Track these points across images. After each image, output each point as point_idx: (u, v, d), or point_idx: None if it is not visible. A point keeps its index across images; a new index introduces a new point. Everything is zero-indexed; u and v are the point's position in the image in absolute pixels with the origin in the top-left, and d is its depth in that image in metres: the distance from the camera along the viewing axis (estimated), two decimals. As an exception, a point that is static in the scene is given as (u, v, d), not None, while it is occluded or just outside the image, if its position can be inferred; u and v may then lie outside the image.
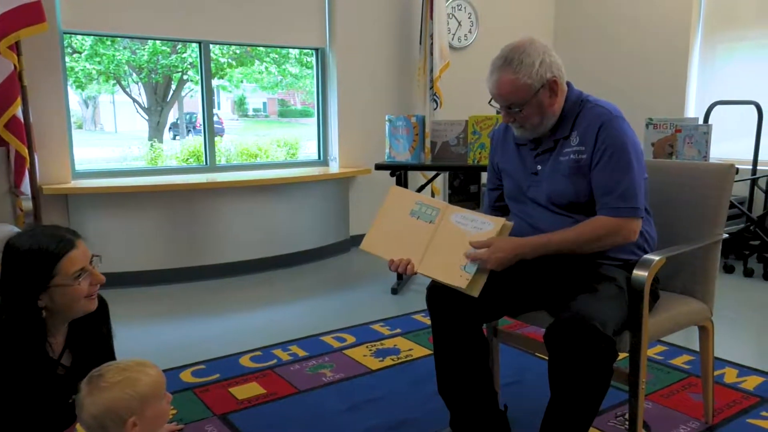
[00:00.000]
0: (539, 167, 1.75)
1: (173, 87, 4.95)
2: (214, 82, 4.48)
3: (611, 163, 1.62)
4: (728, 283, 3.72)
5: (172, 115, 5.37)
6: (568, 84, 1.74)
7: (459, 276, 1.61)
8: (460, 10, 5.11)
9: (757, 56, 4.49)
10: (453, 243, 1.65)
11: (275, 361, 2.58)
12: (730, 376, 2.37)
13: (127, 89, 4.86)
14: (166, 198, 3.78)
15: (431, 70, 4.55)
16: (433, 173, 4.14)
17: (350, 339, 2.83)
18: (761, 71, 4.44)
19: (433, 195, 4.76)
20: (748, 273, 3.87)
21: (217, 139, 4.34)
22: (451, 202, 5.29)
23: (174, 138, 5.53)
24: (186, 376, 2.42)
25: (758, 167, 4.12)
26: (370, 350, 2.69)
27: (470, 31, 5.19)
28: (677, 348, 2.65)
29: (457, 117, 3.81)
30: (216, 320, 3.14)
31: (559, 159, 1.70)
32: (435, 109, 4.58)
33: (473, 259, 1.59)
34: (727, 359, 2.52)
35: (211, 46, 4.16)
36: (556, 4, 5.73)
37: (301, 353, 2.66)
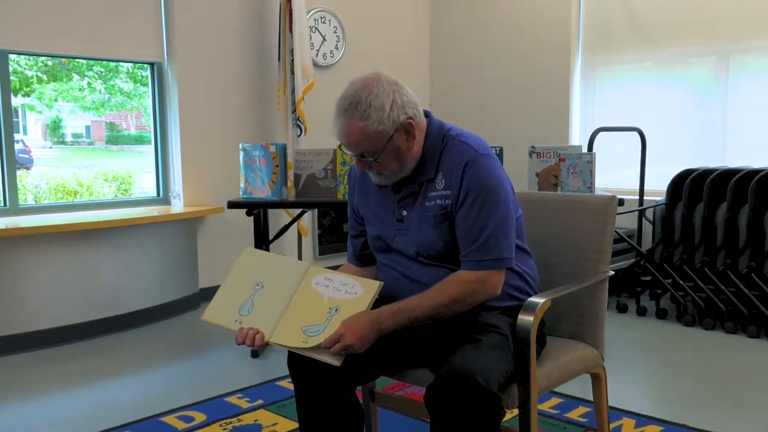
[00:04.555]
0: (404, 213, 1.81)
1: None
2: (18, 100, 4.22)
3: (474, 209, 1.71)
4: (622, 324, 4.07)
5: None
6: (428, 115, 1.82)
7: (312, 340, 1.63)
8: (324, 22, 5.25)
9: (636, 80, 5.04)
10: (310, 309, 1.70)
11: (100, 453, 2.42)
12: (628, 427, 2.56)
13: None
14: (-51, 250, 3.46)
15: (293, 91, 4.61)
16: (299, 211, 4.15)
17: (200, 417, 2.74)
18: (641, 95, 4.99)
19: (300, 236, 4.77)
20: (641, 312, 4.25)
21: (21, 172, 4.10)
22: (320, 243, 5.35)
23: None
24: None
25: (645, 197, 4.56)
26: (225, 429, 2.61)
27: (336, 47, 5.35)
28: (573, 399, 2.83)
29: (324, 145, 3.88)
30: (16, 407, 2.90)
31: (425, 205, 1.78)
32: (299, 136, 4.63)
33: (335, 352, 1.59)
34: (624, 408, 2.73)
35: (10, 56, 3.94)
36: (431, 27, 6.08)
37: (135, 441, 2.52)
